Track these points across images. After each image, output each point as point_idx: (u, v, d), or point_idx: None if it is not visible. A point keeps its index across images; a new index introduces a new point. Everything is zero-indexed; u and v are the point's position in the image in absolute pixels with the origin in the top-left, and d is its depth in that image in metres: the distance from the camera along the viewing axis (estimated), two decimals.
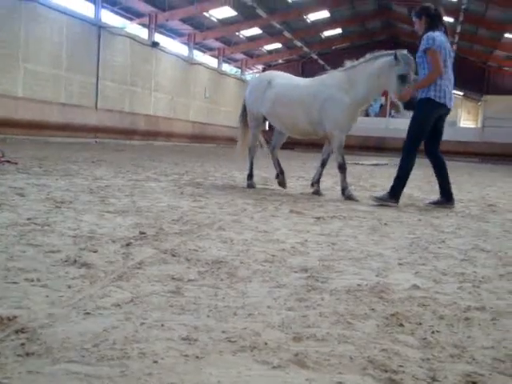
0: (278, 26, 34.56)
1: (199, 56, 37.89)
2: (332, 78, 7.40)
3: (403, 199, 7.43)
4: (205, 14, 31.78)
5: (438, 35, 6.57)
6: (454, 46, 37.23)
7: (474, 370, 1.86)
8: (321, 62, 43.15)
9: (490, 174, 18.73)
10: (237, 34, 36.75)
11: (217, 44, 37.87)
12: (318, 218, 5.22)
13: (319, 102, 7.23)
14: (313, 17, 35.93)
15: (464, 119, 45.06)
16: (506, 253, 3.99)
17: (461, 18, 29.85)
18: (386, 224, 5.14)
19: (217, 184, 8.16)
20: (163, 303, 2.39)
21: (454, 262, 3.59)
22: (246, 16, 32.92)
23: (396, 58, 6.78)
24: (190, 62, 34.07)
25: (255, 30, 36.82)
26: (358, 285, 2.85)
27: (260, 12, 31.45)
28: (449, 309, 2.52)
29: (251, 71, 46.79)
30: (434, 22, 6.71)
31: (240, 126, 8.32)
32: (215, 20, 33.48)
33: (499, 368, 1.89)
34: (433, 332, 2.20)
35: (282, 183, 7.90)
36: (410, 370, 1.83)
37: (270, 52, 43.10)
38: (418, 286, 2.87)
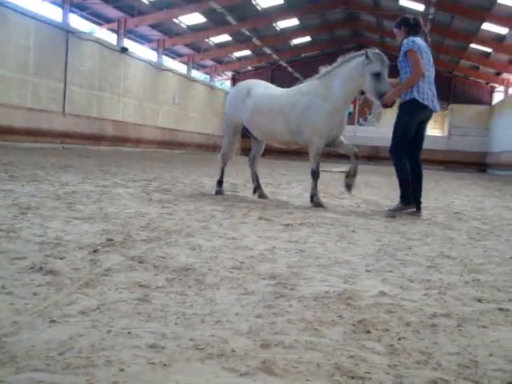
0: (248, 33, 34.66)
1: (168, 62, 37.82)
2: (308, 86, 7.39)
3: (370, 207, 7.50)
4: (174, 20, 31.72)
5: (418, 39, 6.70)
6: None
7: (439, 376, 1.88)
8: (290, 69, 43.37)
9: (456, 181, 18.99)
10: (206, 40, 36.74)
11: (186, 50, 37.80)
12: (287, 225, 5.23)
13: (298, 111, 7.21)
14: (282, 24, 36.10)
15: (431, 128, 45.63)
16: (471, 260, 4.04)
17: (428, 28, 30.26)
18: (353, 231, 5.17)
19: (185, 190, 8.13)
20: (130, 310, 2.37)
21: (421, 268, 3.63)
22: (216, 23, 32.95)
23: (367, 56, 6.82)
24: (159, 67, 33.95)
25: (225, 37, 36.85)
26: (326, 292, 2.86)
27: (229, 19, 31.51)
28: (415, 315, 2.55)
29: (220, 78, 46.82)
30: (413, 30, 6.84)
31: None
32: (184, 26, 33.43)
33: (464, 374, 1.91)
34: (399, 338, 2.22)
35: (262, 195, 7.85)
36: (377, 377, 1.84)
37: (239, 59, 43.15)
38: (385, 293, 2.89)
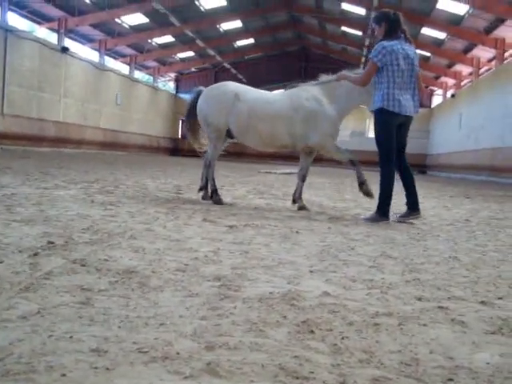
0: (191, 34, 34.57)
1: (111, 62, 37.36)
2: (309, 91, 7.32)
3: (313, 208, 7.56)
4: (116, 20, 31.38)
5: (393, 44, 6.46)
6: (363, 59, 38.36)
7: (381, 374, 1.91)
8: (233, 71, 43.45)
9: (397, 183, 19.31)
10: (149, 41, 36.50)
11: (129, 51, 37.47)
12: (231, 227, 5.23)
13: (302, 116, 7.18)
14: (226, 26, 36.17)
15: (373, 130, 46.31)
16: (411, 259, 4.12)
17: (369, 32, 30.82)
18: (297, 232, 5.21)
19: (128, 192, 8.03)
20: (72, 314, 2.33)
21: (363, 268, 3.68)
22: (159, 23, 32.76)
23: None
24: (101, 68, 33.50)
25: (168, 38, 36.69)
26: (270, 293, 2.87)
27: (173, 20, 31.38)
28: (358, 315, 2.58)
29: (164, 79, 46.53)
30: (392, 28, 6.60)
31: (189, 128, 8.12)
32: (127, 26, 33.12)
33: (405, 372, 1.95)
34: (342, 338, 2.24)
35: (207, 197, 7.62)
36: (321, 376, 1.86)
37: (182, 60, 43.03)
38: (328, 293, 2.92)
